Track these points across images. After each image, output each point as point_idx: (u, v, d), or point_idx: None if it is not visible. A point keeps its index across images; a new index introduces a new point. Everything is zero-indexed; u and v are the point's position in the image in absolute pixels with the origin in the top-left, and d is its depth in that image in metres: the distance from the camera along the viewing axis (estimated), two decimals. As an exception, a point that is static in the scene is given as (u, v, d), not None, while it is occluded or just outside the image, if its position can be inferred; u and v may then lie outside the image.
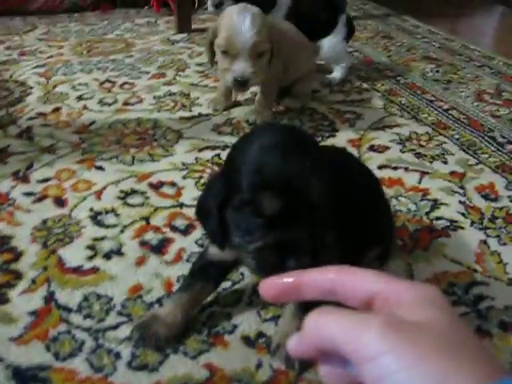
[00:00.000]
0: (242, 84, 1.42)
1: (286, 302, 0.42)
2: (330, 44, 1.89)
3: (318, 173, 0.63)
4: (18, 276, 0.98)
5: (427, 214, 1.17)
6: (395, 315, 0.35)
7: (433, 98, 1.80)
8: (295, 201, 0.61)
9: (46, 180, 1.27)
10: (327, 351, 0.36)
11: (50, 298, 0.93)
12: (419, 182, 1.29)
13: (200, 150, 1.41)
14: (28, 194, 1.22)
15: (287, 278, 0.41)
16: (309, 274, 0.40)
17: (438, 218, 1.16)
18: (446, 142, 1.49)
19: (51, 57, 2.16)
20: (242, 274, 0.98)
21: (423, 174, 1.33)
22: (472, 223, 1.15)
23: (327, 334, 0.36)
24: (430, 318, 0.35)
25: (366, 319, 0.35)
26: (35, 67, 2.03)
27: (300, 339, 0.38)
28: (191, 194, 1.22)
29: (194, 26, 2.56)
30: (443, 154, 1.43)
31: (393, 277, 0.38)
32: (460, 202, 1.22)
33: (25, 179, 1.27)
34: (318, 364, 0.39)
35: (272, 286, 0.41)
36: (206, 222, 0.74)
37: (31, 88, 1.83)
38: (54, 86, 1.84)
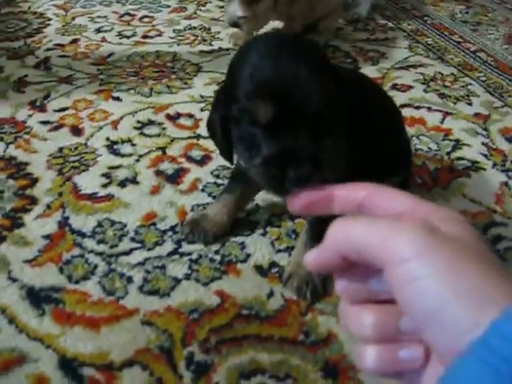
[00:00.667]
0: (234, 26, 1.44)
1: (313, 214, 0.41)
2: None
3: (318, 79, 0.59)
4: (34, 201, 0.98)
5: (448, 154, 1.15)
6: (429, 223, 0.34)
7: (460, 40, 1.75)
8: (291, 107, 0.57)
9: (63, 109, 1.26)
10: (349, 260, 0.35)
11: (64, 222, 0.93)
12: (442, 122, 1.26)
13: (219, 84, 1.39)
14: (45, 123, 1.21)
15: (323, 191, 0.41)
16: (341, 189, 0.40)
17: (459, 159, 1.13)
18: (471, 84, 1.45)
19: (70, -11, 2.12)
20: (257, 205, 0.97)
21: (446, 114, 1.29)
22: (494, 165, 1.12)
23: (355, 237, 0.35)
24: (459, 232, 0.34)
25: (400, 222, 0.34)
26: (54, -1, 2.00)
27: (321, 249, 0.37)
28: (208, 126, 1.20)
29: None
30: (468, 96, 1.39)
31: (421, 199, 0.37)
32: (483, 143, 1.19)
33: (42, 108, 1.27)
34: (335, 278, 0.38)
35: (303, 196, 0.42)
36: (215, 138, 0.73)
37: (49, 19, 1.81)
38: (73, 18, 1.82)
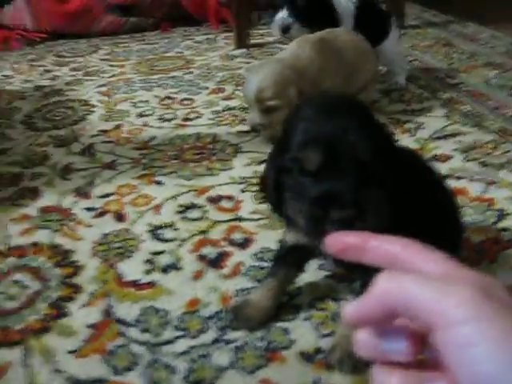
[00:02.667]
0: (253, 131, 1.53)
1: (346, 257, 0.41)
2: (390, 46, 1.90)
3: (366, 131, 0.64)
4: (78, 290, 0.99)
5: (493, 224, 1.12)
6: (484, 286, 0.33)
7: (497, 105, 1.74)
8: (339, 156, 0.62)
9: (107, 195, 1.29)
10: (388, 315, 0.35)
11: (108, 311, 0.94)
12: (484, 192, 1.24)
13: (258, 164, 1.41)
14: (89, 209, 1.24)
15: (356, 238, 0.41)
16: (377, 239, 0.40)
17: (504, 229, 1.11)
18: (512, 150, 1.44)
19: (113, 76, 2.21)
20: (300, 288, 0.97)
21: (489, 183, 1.28)
22: (542, 234, 1.09)
23: (408, 291, 0.34)
24: (509, 298, 0.33)
25: (457, 283, 0.33)
26: (98, 86, 2.09)
27: (364, 300, 0.36)
28: (249, 207, 1.21)
29: (252, 41, 2.57)
30: (509, 163, 1.37)
31: (458, 264, 0.36)
32: (527, 212, 1.16)
33: (86, 195, 1.30)
34: (358, 331, 0.38)
35: (339, 239, 0.41)
36: (267, 192, 0.78)
37: (94, 106, 1.88)
38: (116, 104, 1.89)
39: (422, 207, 0.80)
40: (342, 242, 0.41)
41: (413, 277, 0.35)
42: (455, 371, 0.32)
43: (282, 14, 1.81)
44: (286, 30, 1.78)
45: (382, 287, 0.35)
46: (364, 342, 0.38)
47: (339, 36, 1.62)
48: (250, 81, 1.49)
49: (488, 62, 2.18)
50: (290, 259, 0.90)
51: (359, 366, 0.79)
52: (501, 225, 1.12)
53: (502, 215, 1.15)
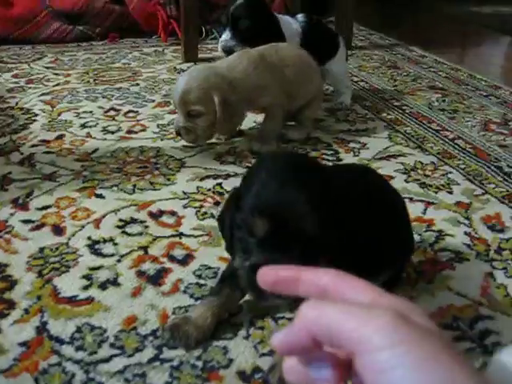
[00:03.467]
0: (177, 134, 1.54)
1: (281, 292, 0.42)
2: (337, 65, 1.93)
3: (314, 204, 0.67)
4: (11, 305, 0.96)
5: (431, 245, 1.15)
6: (402, 312, 0.35)
7: (439, 128, 1.79)
8: (286, 227, 0.66)
9: (46, 208, 1.26)
10: (318, 342, 0.36)
11: (42, 328, 0.91)
12: (424, 213, 1.27)
13: (202, 179, 1.40)
14: (26, 222, 1.20)
15: (288, 271, 0.42)
16: (307, 273, 0.41)
17: (442, 250, 1.13)
18: (451, 172, 1.47)
19: (58, 85, 2.16)
20: (240, 306, 0.96)
21: (428, 204, 1.31)
22: (477, 255, 1.12)
23: (329, 320, 0.35)
24: (426, 323, 0.35)
25: (375, 310, 0.35)
26: (41, 95, 2.04)
27: (290, 330, 0.37)
28: (191, 223, 1.20)
29: (200, 55, 2.57)
30: (448, 184, 1.40)
31: (383, 291, 0.38)
32: (465, 232, 1.19)
33: (24, 206, 1.26)
34: (286, 359, 0.39)
35: (272, 274, 0.43)
36: (223, 235, 0.84)
37: (36, 115, 1.83)
38: (59, 114, 1.85)
39: (375, 238, 0.83)
40: (275, 276, 0.43)
41: (334, 305, 0.36)
42: None
43: (226, 36, 1.82)
44: (228, 51, 1.78)
45: (306, 316, 0.36)
46: (292, 369, 0.39)
47: (280, 51, 1.62)
48: (178, 83, 1.49)
49: (431, 86, 2.24)
50: (235, 280, 0.87)
51: None
52: (439, 245, 1.15)
53: (440, 236, 1.18)
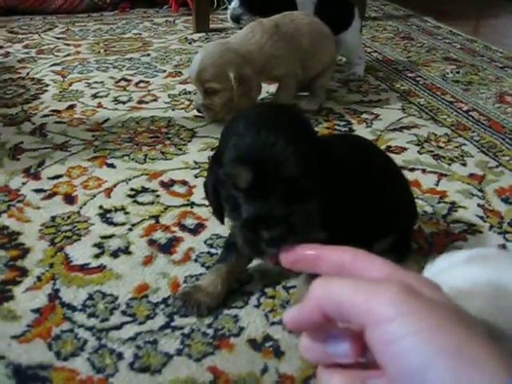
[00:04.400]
0: (198, 112, 1.55)
1: (301, 270, 0.47)
2: (351, 36, 1.90)
3: (295, 148, 0.65)
4: (24, 273, 0.96)
5: (444, 217, 1.14)
6: (410, 285, 0.35)
7: (452, 99, 1.76)
8: (268, 174, 0.64)
9: (57, 177, 1.26)
10: (329, 318, 0.36)
11: (54, 295, 0.91)
12: (437, 184, 1.25)
13: (213, 149, 1.39)
14: (38, 191, 1.20)
15: (309, 251, 0.44)
16: (327, 251, 0.42)
17: (455, 222, 1.12)
18: (465, 144, 1.46)
19: (68, 55, 2.16)
20: (251, 276, 0.96)
21: (441, 175, 1.29)
22: (491, 227, 1.11)
23: (339, 295, 0.36)
24: (438, 296, 0.36)
25: (383, 283, 0.35)
26: (52, 65, 2.03)
27: (302, 306, 0.38)
28: (202, 193, 1.19)
29: (212, 26, 2.55)
30: (462, 156, 1.39)
31: (399, 267, 0.39)
32: (478, 205, 1.18)
33: (36, 176, 1.26)
34: (301, 336, 0.40)
35: (293, 254, 0.45)
36: (210, 202, 0.82)
37: (47, 86, 1.83)
38: (70, 84, 1.84)
39: (369, 203, 0.84)
40: (296, 255, 0.45)
41: (343, 280, 0.37)
42: (385, 367, 0.33)
43: (234, 3, 1.80)
44: (236, 20, 1.76)
45: (316, 293, 0.37)
46: (308, 346, 0.39)
47: (295, 20, 1.61)
48: (194, 61, 1.49)
49: (445, 57, 2.21)
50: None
51: None
52: (451, 217, 1.14)
53: (453, 208, 1.17)
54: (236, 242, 0.68)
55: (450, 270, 0.53)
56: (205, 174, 1.27)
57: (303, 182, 0.66)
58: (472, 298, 0.47)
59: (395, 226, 0.97)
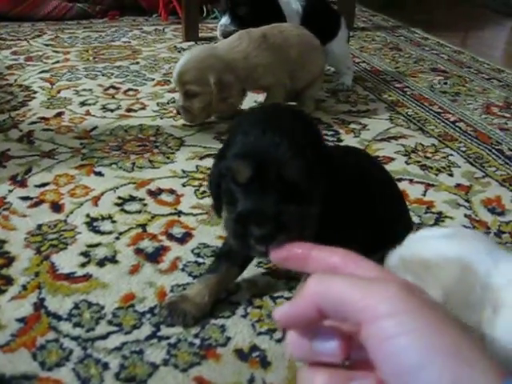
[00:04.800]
0: (177, 113, 1.58)
1: (290, 267, 0.46)
2: (338, 46, 1.91)
3: (299, 151, 0.66)
4: (9, 281, 0.95)
5: (431, 226, 1.14)
6: (407, 284, 0.36)
7: (440, 110, 1.78)
8: (268, 173, 0.65)
9: (44, 185, 1.25)
10: (324, 315, 0.36)
11: (39, 304, 0.90)
12: (424, 195, 1.26)
13: (201, 158, 1.39)
14: (25, 199, 1.20)
15: (299, 248, 0.44)
16: (318, 251, 0.43)
17: (442, 232, 1.13)
18: (452, 155, 1.47)
19: (57, 62, 2.15)
20: (239, 285, 0.96)
21: (428, 186, 1.30)
22: (477, 237, 1.11)
23: (336, 291, 0.36)
24: (430, 298, 0.36)
25: (382, 281, 0.36)
26: (40, 72, 2.02)
27: (294, 303, 0.38)
28: (190, 201, 1.20)
29: (201, 35, 2.55)
30: (449, 167, 1.40)
31: (390, 271, 0.41)
32: (465, 215, 1.19)
33: (22, 183, 1.26)
34: (289, 333, 0.39)
35: (284, 251, 0.45)
36: (211, 193, 0.81)
37: (35, 92, 1.82)
38: (58, 91, 1.83)
39: (365, 213, 0.84)
40: (286, 253, 0.45)
41: (341, 278, 0.37)
42: (380, 366, 0.33)
43: (225, 20, 1.81)
44: (227, 36, 1.77)
45: (312, 289, 0.37)
46: (295, 341, 0.38)
47: (284, 31, 1.62)
48: (178, 63, 1.51)
49: (433, 68, 2.23)
50: (233, 257, 0.90)
51: None
52: (438, 227, 1.14)
53: (440, 218, 1.17)
54: (227, 236, 0.70)
55: (425, 242, 0.56)
56: (193, 183, 1.27)
57: (302, 185, 0.67)
58: (440, 268, 0.50)
59: (391, 238, 0.97)
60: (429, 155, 1.46)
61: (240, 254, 0.87)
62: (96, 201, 1.19)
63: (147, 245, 1.06)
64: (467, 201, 1.24)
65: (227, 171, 0.69)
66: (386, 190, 0.98)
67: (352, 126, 1.63)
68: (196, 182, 1.27)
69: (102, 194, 1.22)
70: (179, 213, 1.16)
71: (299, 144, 0.67)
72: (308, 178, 0.67)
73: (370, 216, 0.85)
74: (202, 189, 1.25)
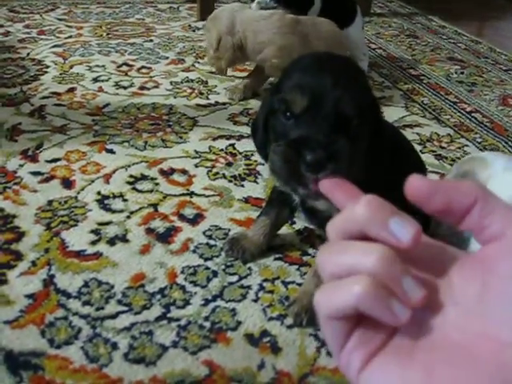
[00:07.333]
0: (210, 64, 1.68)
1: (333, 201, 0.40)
2: (355, 32, 1.89)
3: (356, 90, 0.69)
4: (19, 257, 0.95)
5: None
6: None
7: (456, 100, 1.75)
8: (324, 106, 0.66)
9: (55, 160, 1.24)
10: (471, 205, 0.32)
11: (49, 281, 0.90)
12: (438, 185, 1.24)
13: (214, 139, 1.38)
14: (35, 174, 1.18)
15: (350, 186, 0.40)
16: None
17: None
18: (467, 145, 1.45)
19: (70, 37, 2.13)
20: (250, 269, 0.95)
21: (443, 176, 1.28)
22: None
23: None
24: None
25: None
26: (53, 47, 2.00)
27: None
28: (202, 182, 1.19)
29: (216, 14, 2.52)
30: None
31: None
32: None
33: (33, 158, 1.24)
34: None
35: (334, 181, 0.40)
36: (256, 136, 0.83)
37: (47, 67, 1.80)
38: (71, 67, 1.81)
39: (397, 167, 0.83)
40: (335, 182, 0.40)
41: None
42: (490, 284, 0.31)
43: None
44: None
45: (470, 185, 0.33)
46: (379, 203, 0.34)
47: (317, 24, 1.61)
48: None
49: (450, 57, 2.20)
50: (282, 200, 0.94)
51: (314, 321, 0.79)
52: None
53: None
54: (274, 168, 0.68)
55: (497, 178, 0.60)
56: (205, 163, 1.26)
57: (355, 122, 0.68)
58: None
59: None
60: (444, 145, 1.44)
61: (286, 195, 0.89)
62: (107, 178, 1.18)
63: (158, 225, 1.05)
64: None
65: (281, 103, 0.70)
66: (416, 159, 1.04)
67: (367, 112, 1.61)
68: (209, 163, 1.26)
69: (114, 171, 1.21)
70: (191, 193, 1.15)
71: (356, 85, 0.70)
72: (361, 117, 0.68)
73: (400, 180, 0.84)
74: (214, 170, 1.23)
